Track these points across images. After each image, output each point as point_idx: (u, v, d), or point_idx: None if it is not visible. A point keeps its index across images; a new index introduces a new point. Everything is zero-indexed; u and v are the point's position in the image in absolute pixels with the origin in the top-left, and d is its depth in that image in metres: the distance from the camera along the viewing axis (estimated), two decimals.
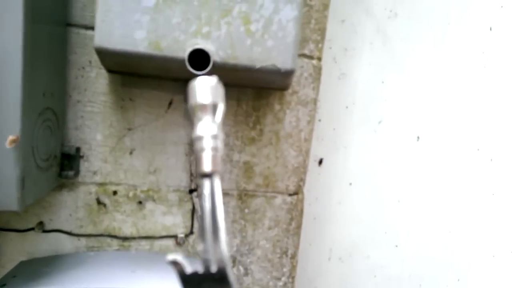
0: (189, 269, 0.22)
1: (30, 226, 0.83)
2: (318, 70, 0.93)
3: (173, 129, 0.86)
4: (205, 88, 0.26)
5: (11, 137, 0.56)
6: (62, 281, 0.70)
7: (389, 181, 1.14)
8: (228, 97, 0.82)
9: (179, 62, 0.64)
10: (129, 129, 0.84)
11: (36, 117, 0.64)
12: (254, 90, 0.88)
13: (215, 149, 0.25)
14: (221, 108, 0.26)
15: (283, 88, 0.84)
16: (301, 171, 0.95)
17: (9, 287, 0.68)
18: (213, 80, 0.27)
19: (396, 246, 1.20)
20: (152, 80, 0.83)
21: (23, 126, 0.59)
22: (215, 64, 0.65)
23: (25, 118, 0.59)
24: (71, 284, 0.68)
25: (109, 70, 0.77)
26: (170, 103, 0.85)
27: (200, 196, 0.23)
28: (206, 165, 0.24)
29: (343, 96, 1.04)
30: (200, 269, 0.23)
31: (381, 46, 1.01)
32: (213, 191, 0.24)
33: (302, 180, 0.96)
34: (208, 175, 0.24)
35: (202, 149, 0.24)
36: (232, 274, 0.22)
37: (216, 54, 0.65)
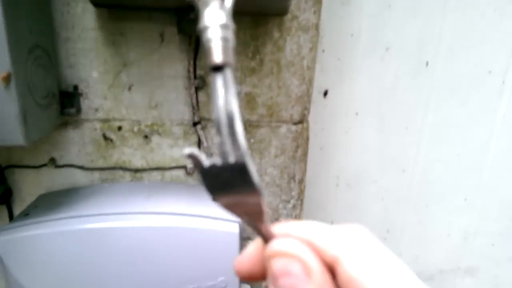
0: (207, 162, 0.21)
1: (43, 162, 0.87)
2: None
3: (169, 63, 0.84)
4: None
5: (1, 74, 0.56)
6: (81, 209, 0.75)
7: (396, 109, 1.12)
8: None
9: None
10: (125, 65, 0.83)
11: (26, 54, 0.63)
12: (251, 18, 0.83)
13: (225, 39, 0.22)
14: None
15: (282, 12, 0.78)
16: (305, 100, 0.93)
17: (32, 216, 0.74)
18: None
19: (403, 170, 1.22)
20: (141, 12, 0.79)
21: (13, 63, 0.58)
22: None
23: (14, 55, 0.58)
24: (89, 211, 0.73)
25: (95, 4, 0.73)
26: (162, 36, 0.81)
27: (212, 89, 0.22)
28: (217, 56, 0.21)
29: (347, 23, 0.97)
30: (218, 161, 0.22)
31: None
32: (227, 83, 0.22)
33: (307, 109, 0.95)
34: (219, 68, 0.22)
35: (210, 40, 0.21)
36: (251, 163, 0.21)
37: None
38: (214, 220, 0.75)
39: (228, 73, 0.22)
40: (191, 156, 0.21)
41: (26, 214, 0.76)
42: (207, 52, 0.21)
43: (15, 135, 0.62)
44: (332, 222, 1.25)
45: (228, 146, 0.22)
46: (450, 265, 1.28)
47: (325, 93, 1.02)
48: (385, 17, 1.01)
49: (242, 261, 0.21)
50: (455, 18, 1.01)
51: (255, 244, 0.21)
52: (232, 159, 0.22)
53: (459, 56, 1.01)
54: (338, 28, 0.93)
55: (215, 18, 0.22)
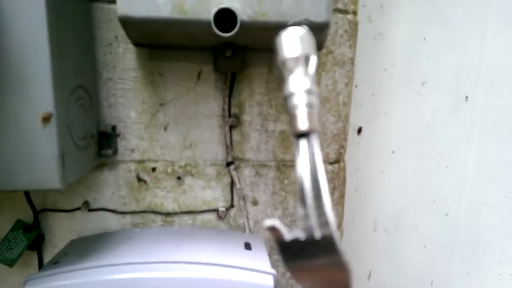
0: (288, 236, 0.21)
1: (76, 206, 0.86)
2: (354, 26, 0.85)
3: (204, 101, 0.84)
4: (294, 39, 0.24)
5: (42, 114, 0.56)
6: (111, 257, 0.71)
7: (436, 147, 1.06)
8: (259, 63, 0.78)
9: (204, 24, 0.60)
10: (161, 104, 0.83)
11: (68, 95, 0.64)
12: None
13: (310, 105, 0.22)
14: (313, 60, 0.24)
15: (317, 47, 0.78)
16: (341, 138, 0.89)
17: (61, 264, 0.70)
18: (302, 29, 0.24)
19: (446, 214, 1.12)
20: (179, 51, 0.80)
21: (56, 104, 0.59)
22: (242, 24, 0.60)
23: (58, 96, 0.59)
24: (119, 259, 0.70)
25: (136, 44, 0.75)
26: (199, 74, 0.82)
27: (296, 157, 0.21)
28: (302, 123, 0.22)
29: (381, 57, 0.96)
30: (301, 235, 0.20)
31: None
32: (312, 151, 0.22)
33: (343, 147, 0.91)
34: (305, 134, 0.22)
35: (295, 106, 0.22)
36: (339, 239, 0.20)
37: (243, 12, 0.60)
38: (248, 272, 0.69)
39: (314, 139, 0.22)
40: (272, 229, 0.21)
41: (55, 262, 0.72)
42: (292, 119, 0.22)
43: (52, 179, 0.60)
44: (370, 272, 1.14)
45: (314, 220, 0.21)
46: None
47: (359, 130, 0.98)
48: (420, 50, 1.00)
49: None
50: (494, 48, 0.97)
51: None
52: (318, 234, 0.20)
53: (500, 88, 0.96)
54: (371, 63, 0.92)
55: (300, 84, 0.23)
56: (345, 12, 0.83)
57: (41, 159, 0.59)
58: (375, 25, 0.92)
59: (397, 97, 1.01)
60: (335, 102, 0.87)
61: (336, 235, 0.20)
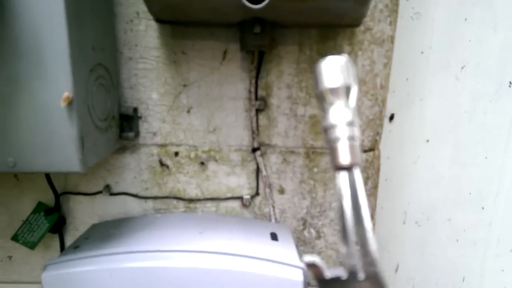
0: (329, 273, 0.20)
1: (98, 189, 0.83)
2: (395, 1, 0.77)
3: (230, 82, 0.78)
4: (334, 69, 0.23)
5: (66, 94, 0.53)
6: (132, 244, 0.68)
7: (474, 136, 0.97)
8: (289, 41, 0.71)
9: None
10: (185, 86, 0.78)
11: (88, 73, 0.60)
12: (319, 31, 0.76)
13: (352, 138, 0.22)
14: (354, 90, 0.23)
15: (355, 23, 0.70)
16: (377, 124, 0.83)
17: (82, 249, 0.68)
18: (342, 58, 0.24)
19: (483, 208, 1.04)
20: (203, 28, 0.75)
21: (75, 83, 0.55)
22: None
23: (77, 74, 0.55)
24: (140, 246, 0.67)
25: (158, 20, 0.70)
26: (225, 53, 0.77)
27: (338, 192, 0.21)
28: (343, 157, 0.22)
29: (417, 39, 0.88)
30: (343, 274, 0.20)
31: None
32: (354, 186, 0.21)
33: (379, 134, 0.84)
34: (347, 168, 0.22)
35: (337, 139, 0.22)
36: (385, 282, 0.18)
37: None
38: (276, 264, 0.64)
39: (357, 174, 0.21)
40: (312, 266, 0.20)
41: (76, 246, 0.70)
42: (333, 152, 0.22)
43: (72, 162, 0.57)
44: (398, 264, 1.09)
45: (358, 260, 0.19)
46: None
47: (391, 117, 0.91)
48: (460, 31, 0.90)
49: None
50: None
51: None
52: (361, 275, 0.19)
53: None
54: (407, 45, 0.84)
55: (341, 116, 0.22)
56: None
57: (60, 140, 0.56)
58: (411, 3, 0.84)
59: (433, 82, 0.93)
60: (371, 85, 0.79)
61: (382, 278, 0.19)
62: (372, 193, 0.87)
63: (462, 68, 0.94)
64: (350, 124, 0.22)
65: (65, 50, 0.53)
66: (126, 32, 0.74)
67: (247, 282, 0.63)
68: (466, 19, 0.92)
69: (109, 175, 0.82)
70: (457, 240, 1.07)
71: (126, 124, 0.78)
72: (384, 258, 1.03)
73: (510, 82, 0.96)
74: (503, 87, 0.95)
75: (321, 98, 0.23)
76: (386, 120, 0.90)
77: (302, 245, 0.88)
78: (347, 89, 0.23)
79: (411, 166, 1.01)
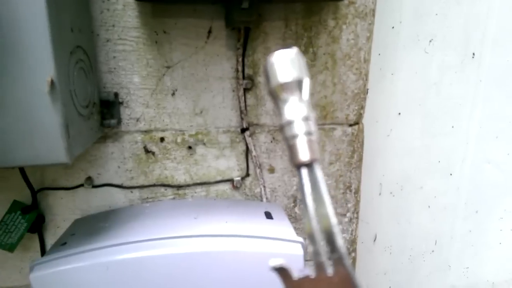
0: (297, 274, 0.20)
1: (79, 182, 0.78)
2: None
3: (215, 62, 0.75)
4: (285, 63, 0.22)
5: (48, 78, 0.48)
6: (124, 234, 0.65)
7: (442, 107, 1.03)
8: (274, 17, 0.69)
9: None
10: (168, 67, 0.74)
11: (68, 56, 0.55)
12: (304, 5, 0.75)
13: (309, 133, 0.21)
14: (307, 83, 0.23)
15: None
16: (361, 98, 0.84)
17: (70, 245, 0.64)
18: (292, 51, 0.23)
19: (451, 174, 1.11)
20: (186, 5, 0.71)
21: (57, 66, 0.50)
22: None
23: (58, 57, 0.50)
24: (134, 237, 0.64)
25: None
26: (209, 32, 0.74)
27: (300, 189, 0.20)
28: (303, 154, 0.21)
29: (387, 14, 0.90)
30: (311, 273, 0.20)
31: None
32: (316, 181, 0.21)
33: (363, 108, 0.85)
34: (307, 165, 0.21)
35: (294, 136, 0.21)
36: (354, 275, 0.18)
37: None
38: (275, 241, 0.65)
39: (317, 169, 0.20)
40: (279, 269, 0.19)
41: (63, 243, 0.66)
42: (292, 149, 0.21)
43: (57, 152, 0.53)
44: (375, 235, 1.14)
45: (325, 256, 0.19)
46: (503, 276, 1.13)
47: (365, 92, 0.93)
48: (427, 5, 0.94)
49: None
50: (502, 2, 0.91)
51: None
52: (330, 271, 0.19)
53: (508, 44, 0.91)
54: (378, 21, 0.86)
55: (297, 112, 0.21)
56: None
57: (44, 129, 0.51)
58: None
59: (404, 57, 0.96)
60: (356, 59, 0.80)
61: (353, 272, 0.19)
62: (358, 166, 0.89)
63: (430, 41, 0.98)
64: (306, 118, 0.22)
65: (45, 31, 0.48)
66: (103, 11, 0.69)
67: (249, 261, 0.63)
68: None
69: (90, 166, 0.77)
70: (429, 206, 1.13)
71: (107, 111, 0.73)
72: (363, 230, 1.08)
73: (474, 54, 1.02)
74: (467, 58, 1.00)
75: (274, 95, 0.22)
76: None
77: (294, 221, 0.89)
78: (300, 83, 0.22)
79: (385, 139, 1.04)
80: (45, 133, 0.51)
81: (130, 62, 0.72)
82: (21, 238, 0.76)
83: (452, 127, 1.07)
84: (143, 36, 0.71)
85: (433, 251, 1.15)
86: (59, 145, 0.52)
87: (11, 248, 0.76)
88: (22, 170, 0.72)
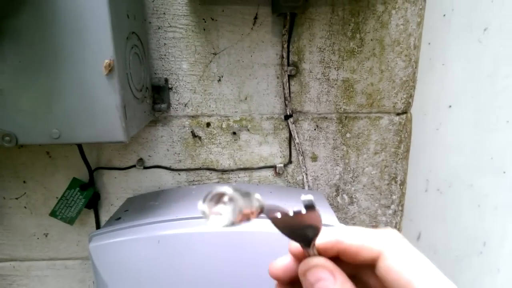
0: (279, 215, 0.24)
1: (131, 163, 0.83)
2: None
3: (261, 48, 0.77)
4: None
5: (106, 61, 0.52)
6: (173, 212, 0.68)
7: (496, 100, 0.96)
8: (321, 2, 0.69)
9: None
10: (214, 54, 0.77)
11: (125, 41, 0.59)
12: None
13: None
14: None
15: None
16: (410, 86, 0.81)
17: (124, 219, 0.69)
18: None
19: (504, 172, 1.04)
20: None
21: (116, 50, 0.53)
22: None
23: (116, 41, 0.54)
24: (182, 214, 0.67)
25: None
26: (255, 18, 0.75)
27: None
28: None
29: (438, 2, 0.85)
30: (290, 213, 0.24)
31: None
32: None
33: (412, 96, 0.82)
34: None
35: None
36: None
37: None
38: None
39: None
40: (308, 206, 0.23)
41: (118, 218, 0.71)
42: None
43: (115, 131, 0.57)
44: (420, 233, 1.09)
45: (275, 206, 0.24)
46: None
47: None
48: None
49: (276, 267, 0.28)
50: None
51: (286, 258, 0.27)
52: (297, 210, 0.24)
53: None
54: (428, 9, 0.82)
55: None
56: None
57: (104, 109, 0.55)
58: None
59: (455, 46, 0.91)
60: (405, 45, 0.77)
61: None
62: (405, 157, 0.87)
63: (485, 30, 0.92)
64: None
65: (106, 17, 0.51)
66: (154, 0, 0.72)
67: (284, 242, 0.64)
68: None
69: (142, 149, 0.82)
70: (479, 206, 1.07)
71: (158, 95, 0.77)
72: (407, 227, 1.04)
73: None
74: None
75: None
76: None
77: (336, 211, 0.88)
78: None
79: (433, 133, 1.00)
80: (105, 113, 0.55)
81: (179, 49, 0.75)
82: (80, 212, 0.83)
83: (507, 121, 1.00)
84: (192, 23, 0.74)
85: (481, 252, 1.09)
86: (117, 124, 0.56)
87: (71, 221, 0.83)
88: (81, 150, 0.79)
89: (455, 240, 1.11)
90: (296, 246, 0.26)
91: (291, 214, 0.23)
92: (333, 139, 0.83)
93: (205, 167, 0.84)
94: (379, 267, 0.24)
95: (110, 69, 0.53)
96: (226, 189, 0.21)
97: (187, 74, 0.77)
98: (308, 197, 0.23)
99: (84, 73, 0.53)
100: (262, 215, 0.23)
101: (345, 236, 0.25)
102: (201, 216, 0.22)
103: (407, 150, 0.87)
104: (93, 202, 0.85)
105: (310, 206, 0.23)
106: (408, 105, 0.83)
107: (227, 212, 0.21)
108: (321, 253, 0.25)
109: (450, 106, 0.98)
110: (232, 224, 0.21)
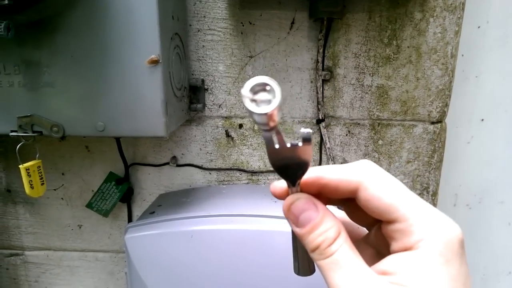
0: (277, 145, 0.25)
1: (165, 161, 0.86)
2: None
3: (296, 53, 0.78)
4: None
5: (153, 56, 0.54)
6: (205, 209, 0.70)
7: None
8: (358, 8, 0.69)
9: None
10: (250, 57, 0.79)
11: (169, 41, 0.62)
12: None
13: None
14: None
15: None
16: (446, 94, 0.80)
17: (158, 214, 0.71)
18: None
19: None
20: None
21: (162, 48, 0.56)
22: None
23: (162, 40, 0.57)
24: (217, 211, 0.68)
25: None
26: (292, 23, 0.76)
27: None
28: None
29: (474, 13, 0.84)
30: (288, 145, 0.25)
31: None
32: None
33: (447, 105, 0.81)
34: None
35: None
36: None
37: None
38: None
39: None
40: (305, 139, 0.24)
41: (151, 212, 0.73)
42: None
43: (156, 126, 0.59)
44: None
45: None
46: None
47: None
48: None
49: (275, 189, 0.28)
50: None
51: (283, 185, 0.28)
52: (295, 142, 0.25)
53: None
54: (463, 19, 0.80)
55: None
56: None
57: (146, 105, 0.58)
58: None
59: (489, 59, 0.89)
60: (442, 53, 0.77)
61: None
62: (438, 167, 0.85)
63: None
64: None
65: (154, 16, 0.54)
66: (196, 3, 0.75)
67: None
68: None
69: (176, 147, 0.85)
70: (509, 224, 1.03)
71: (194, 96, 0.79)
72: None
73: None
74: None
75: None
76: None
77: None
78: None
79: (464, 146, 0.97)
80: (148, 108, 0.58)
81: (217, 51, 0.78)
82: (114, 206, 0.86)
83: None
84: (230, 26, 0.77)
85: (510, 272, 1.05)
86: (159, 120, 0.59)
87: (105, 213, 0.87)
88: (119, 145, 0.82)
89: (483, 258, 1.06)
90: (280, 187, 0.27)
91: (288, 145, 0.25)
92: (365, 146, 0.83)
93: (235, 167, 0.85)
94: (359, 198, 0.25)
95: (153, 62, 0.55)
96: (270, 80, 0.21)
97: (223, 76, 0.80)
98: (308, 130, 0.24)
99: (130, 69, 0.56)
100: (267, 133, 0.24)
101: (324, 172, 0.26)
102: (243, 102, 0.22)
103: (441, 160, 0.85)
104: (127, 197, 0.88)
105: (307, 139, 0.24)
106: (443, 114, 0.81)
107: (267, 100, 0.21)
108: (303, 190, 0.26)
109: (482, 120, 0.96)
110: (266, 114, 0.21)
